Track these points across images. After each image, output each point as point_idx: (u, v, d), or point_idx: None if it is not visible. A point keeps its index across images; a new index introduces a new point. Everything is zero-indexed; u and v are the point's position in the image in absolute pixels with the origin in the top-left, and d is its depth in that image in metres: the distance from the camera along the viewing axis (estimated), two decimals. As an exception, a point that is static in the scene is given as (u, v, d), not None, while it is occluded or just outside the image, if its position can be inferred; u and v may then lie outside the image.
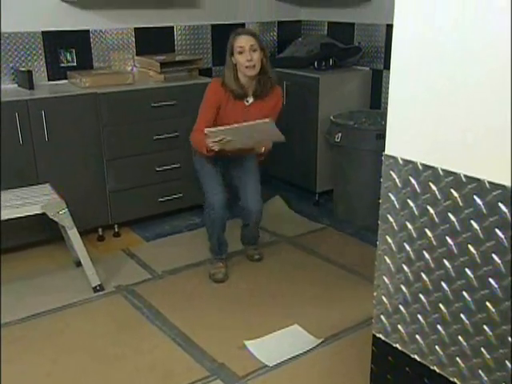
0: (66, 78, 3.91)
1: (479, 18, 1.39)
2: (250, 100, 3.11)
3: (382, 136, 3.66)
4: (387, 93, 4.47)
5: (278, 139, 3.03)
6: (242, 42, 2.92)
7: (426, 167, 1.58)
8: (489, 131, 1.43)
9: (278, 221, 4.08)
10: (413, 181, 1.61)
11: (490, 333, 1.51)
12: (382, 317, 1.78)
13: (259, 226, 3.50)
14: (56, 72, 3.89)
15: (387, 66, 4.26)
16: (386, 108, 4.28)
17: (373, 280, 3.10)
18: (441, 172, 1.55)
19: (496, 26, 1.35)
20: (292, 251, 3.66)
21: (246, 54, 2.91)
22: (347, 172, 3.99)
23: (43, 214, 3.01)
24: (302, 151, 4.36)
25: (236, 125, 2.87)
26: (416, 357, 1.73)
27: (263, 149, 3.11)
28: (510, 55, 1.34)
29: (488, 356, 1.55)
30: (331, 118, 4.02)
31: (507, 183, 1.41)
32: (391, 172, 1.67)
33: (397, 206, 1.67)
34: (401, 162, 1.64)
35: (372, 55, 4.36)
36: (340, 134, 3.89)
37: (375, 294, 1.78)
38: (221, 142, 2.86)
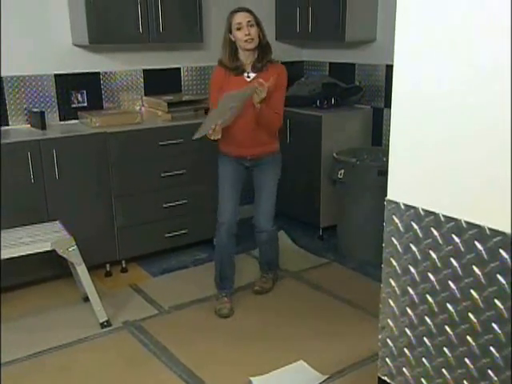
0: (76, 118, 3.95)
1: (479, 76, 1.42)
2: (252, 75, 3.10)
3: (383, 172, 3.68)
4: (388, 130, 4.49)
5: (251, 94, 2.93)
6: (240, 18, 2.97)
7: (428, 213, 1.59)
8: (489, 180, 1.45)
9: (283, 255, 4.05)
10: (415, 226, 1.62)
11: (496, 378, 1.50)
12: (387, 359, 1.77)
13: (275, 252, 3.54)
14: (67, 112, 3.94)
15: (388, 105, 4.29)
16: (387, 145, 4.31)
17: (377, 315, 3.09)
18: (442, 218, 1.56)
19: (495, 85, 1.38)
20: (297, 286, 3.64)
21: (244, 30, 2.96)
22: (350, 207, 3.98)
23: (52, 251, 3.03)
24: (306, 187, 4.37)
25: (213, 111, 2.95)
26: (421, 400, 1.72)
27: (258, 97, 2.92)
28: (509, 111, 1.36)
29: (493, 400, 1.54)
30: (334, 154, 4.03)
31: (507, 230, 1.42)
32: (393, 217, 1.68)
33: (400, 250, 1.68)
34: (403, 207, 1.66)
35: (373, 94, 4.39)
36: (343, 171, 3.90)
37: (380, 336, 1.77)
38: (215, 129, 2.90)
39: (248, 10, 3.02)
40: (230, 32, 3.02)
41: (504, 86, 1.36)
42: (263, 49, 3.08)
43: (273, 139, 3.26)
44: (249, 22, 2.97)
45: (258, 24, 3.02)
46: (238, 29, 2.98)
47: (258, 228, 3.36)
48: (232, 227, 3.26)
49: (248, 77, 3.10)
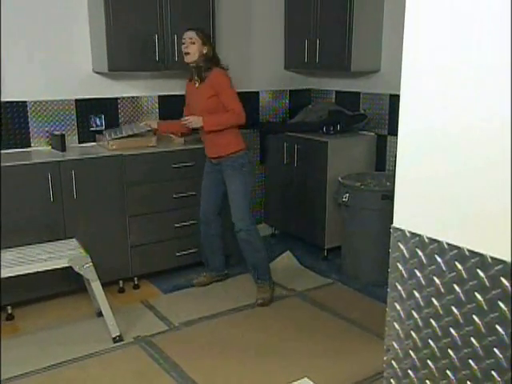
0: (94, 141, 3.99)
1: (486, 111, 1.44)
2: (197, 84, 3.48)
3: (386, 196, 3.70)
4: (392, 156, 4.52)
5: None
6: (185, 35, 3.39)
7: (432, 240, 1.59)
8: (490, 211, 1.46)
9: (289, 275, 4.07)
10: (419, 252, 1.62)
11: (496, 402, 1.50)
12: (391, 380, 1.76)
13: (257, 254, 3.61)
14: (86, 135, 3.99)
15: (391, 132, 4.32)
16: (391, 170, 4.32)
17: (379, 335, 3.07)
18: (446, 246, 1.56)
19: (498, 122, 1.40)
20: (302, 305, 3.63)
21: (185, 45, 3.38)
22: (354, 230, 3.98)
23: (69, 267, 3.04)
24: (312, 209, 4.37)
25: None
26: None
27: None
28: (509, 147, 1.38)
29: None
30: (339, 179, 4.05)
31: (508, 259, 1.43)
32: (399, 243, 1.68)
33: (405, 276, 1.67)
34: (408, 234, 1.66)
35: (377, 121, 4.42)
36: (347, 195, 3.91)
37: (385, 358, 1.77)
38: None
39: (195, 30, 3.38)
40: None
41: (505, 124, 1.38)
42: (206, 62, 3.40)
43: (231, 141, 3.49)
44: (190, 39, 3.36)
45: (205, 43, 3.38)
46: (183, 43, 3.39)
47: (235, 227, 3.57)
48: (207, 218, 3.73)
49: (196, 86, 3.50)
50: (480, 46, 1.43)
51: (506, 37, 1.35)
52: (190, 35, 3.37)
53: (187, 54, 3.38)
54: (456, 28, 1.48)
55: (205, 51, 3.38)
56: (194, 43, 3.35)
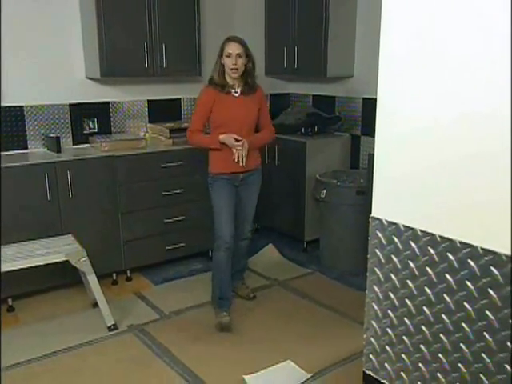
0: (88, 143, 3.98)
1: (458, 108, 1.50)
2: (237, 94, 3.08)
3: (361, 192, 3.76)
4: (365, 155, 4.60)
5: None
6: (231, 48, 2.96)
7: (407, 228, 1.66)
8: (460, 200, 1.53)
9: (271, 266, 4.09)
10: (396, 239, 1.68)
11: (465, 370, 1.57)
12: (371, 356, 1.81)
13: (246, 259, 3.58)
14: (79, 137, 3.97)
15: (364, 133, 4.38)
16: (364, 168, 4.39)
17: (356, 320, 3.14)
18: (419, 233, 1.63)
19: (474, 116, 1.46)
20: (284, 294, 3.65)
21: (232, 59, 2.95)
22: (331, 223, 4.01)
23: (66, 261, 3.04)
24: (292, 205, 4.41)
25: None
26: (401, 391, 1.76)
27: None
28: (488, 141, 1.44)
29: (463, 390, 1.60)
30: (317, 176, 4.07)
31: (474, 243, 1.50)
32: (377, 231, 1.74)
33: (382, 260, 1.73)
34: (385, 223, 1.72)
35: (351, 123, 4.46)
36: (325, 191, 3.94)
37: (365, 335, 1.83)
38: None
39: (240, 42, 3.00)
40: (221, 56, 3.02)
41: (481, 118, 1.44)
42: (249, 75, 3.06)
43: (260, 153, 3.29)
44: (238, 54, 2.96)
45: (248, 55, 3.01)
46: (228, 56, 2.97)
47: (243, 236, 3.33)
48: (231, 248, 3.15)
49: (236, 92, 3.08)
50: (447, 49, 1.49)
51: (475, 39, 1.41)
52: (237, 48, 2.97)
53: (235, 70, 2.99)
54: (427, 33, 1.53)
55: (249, 65, 3.05)
56: (241, 57, 2.98)
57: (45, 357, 2.88)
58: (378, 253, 1.73)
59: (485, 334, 1.50)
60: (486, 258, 1.46)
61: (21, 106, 3.71)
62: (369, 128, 4.27)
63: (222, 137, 3.03)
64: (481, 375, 1.52)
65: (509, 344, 1.46)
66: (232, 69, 2.97)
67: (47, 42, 3.73)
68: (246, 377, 2.68)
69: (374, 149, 1.77)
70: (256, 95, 3.12)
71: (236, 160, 3.04)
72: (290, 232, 4.53)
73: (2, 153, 3.64)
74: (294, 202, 4.39)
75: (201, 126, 3.08)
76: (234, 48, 2.96)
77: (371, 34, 3.97)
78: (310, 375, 2.70)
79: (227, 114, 3.04)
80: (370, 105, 4.24)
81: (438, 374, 1.63)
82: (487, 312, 1.49)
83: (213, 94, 3.05)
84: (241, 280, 3.59)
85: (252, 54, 3.05)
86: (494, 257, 1.44)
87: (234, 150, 3.04)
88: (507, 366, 1.43)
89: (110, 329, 3.16)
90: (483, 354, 1.52)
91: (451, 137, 1.51)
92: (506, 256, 1.42)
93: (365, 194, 3.69)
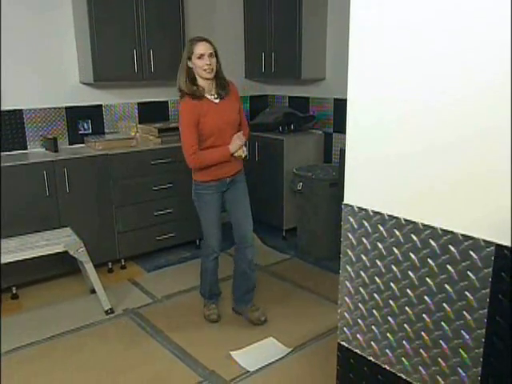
0: (83, 143, 3.97)
1: (424, 101, 1.53)
2: (217, 100, 2.75)
3: (333, 184, 3.81)
4: (336, 150, 4.63)
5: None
6: (202, 48, 2.62)
7: (376, 213, 1.68)
8: (422, 186, 1.57)
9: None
10: (366, 223, 1.71)
11: (427, 338, 1.62)
12: (344, 329, 1.85)
13: (255, 275, 3.08)
14: (75, 138, 3.95)
15: (336, 130, 4.43)
16: (336, 162, 4.42)
17: (331, 299, 3.18)
18: (386, 217, 1.66)
19: (447, 106, 1.49)
20: (265, 278, 3.69)
21: (205, 59, 2.62)
22: (307, 213, 4.05)
23: (65, 252, 3.04)
24: (272, 196, 4.44)
25: None
26: (371, 358, 1.80)
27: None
28: (458, 131, 1.47)
29: (425, 355, 1.64)
30: (294, 170, 4.11)
31: (436, 225, 1.54)
32: (349, 217, 1.77)
33: (354, 243, 1.76)
34: (356, 209, 1.74)
35: (323, 122, 4.50)
36: (301, 183, 3.97)
37: (339, 310, 1.86)
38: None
39: (209, 41, 2.67)
40: (190, 59, 2.67)
41: (443, 107, 1.47)
42: (220, 76, 2.76)
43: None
44: (210, 53, 2.64)
45: (217, 55, 2.70)
46: (199, 58, 2.63)
47: (246, 243, 2.95)
48: (219, 253, 2.99)
49: (216, 99, 2.76)
50: (408, 53, 1.53)
51: (444, 38, 1.44)
52: (208, 48, 2.64)
53: (210, 70, 2.66)
54: (395, 36, 1.57)
55: (218, 65, 2.73)
56: (213, 56, 2.66)
57: (46, 339, 2.89)
58: (350, 236, 1.76)
59: (444, 304, 1.56)
60: (444, 238, 1.51)
61: (20, 110, 3.68)
62: (340, 126, 4.32)
63: (231, 147, 2.75)
64: (440, 341, 1.57)
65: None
66: (206, 69, 2.63)
67: (43, 49, 3.70)
68: (232, 352, 2.72)
69: (345, 144, 1.80)
70: (232, 94, 2.80)
71: (242, 155, 2.82)
72: (270, 221, 4.56)
73: (3, 153, 3.61)
74: (274, 193, 4.41)
75: (197, 144, 2.70)
76: (204, 48, 2.63)
77: (341, 39, 4.03)
78: (290, 349, 2.74)
79: (214, 124, 2.69)
80: (340, 104, 4.29)
81: (404, 342, 1.68)
82: (446, 285, 1.54)
83: (194, 108, 2.67)
84: (250, 302, 3.11)
85: (218, 54, 2.73)
86: (452, 236, 1.49)
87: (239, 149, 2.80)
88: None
89: (107, 313, 3.18)
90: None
91: (414, 128, 1.54)
92: (462, 235, 1.47)
93: (337, 185, 3.73)
